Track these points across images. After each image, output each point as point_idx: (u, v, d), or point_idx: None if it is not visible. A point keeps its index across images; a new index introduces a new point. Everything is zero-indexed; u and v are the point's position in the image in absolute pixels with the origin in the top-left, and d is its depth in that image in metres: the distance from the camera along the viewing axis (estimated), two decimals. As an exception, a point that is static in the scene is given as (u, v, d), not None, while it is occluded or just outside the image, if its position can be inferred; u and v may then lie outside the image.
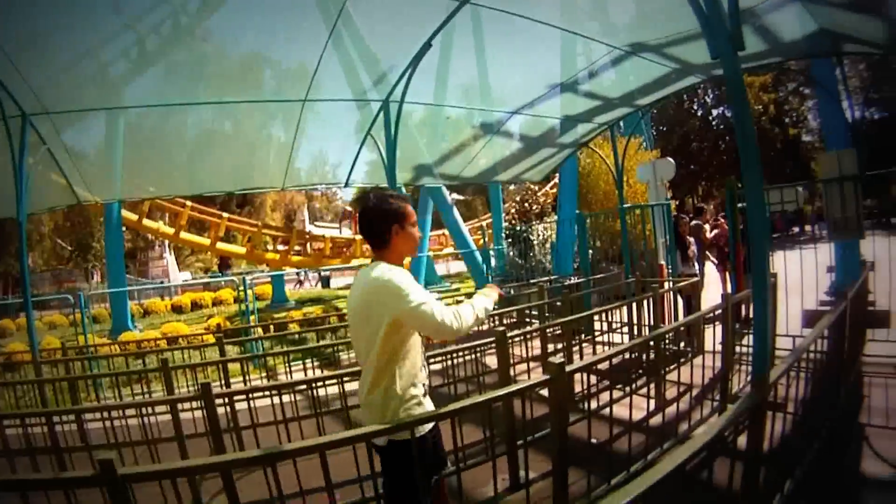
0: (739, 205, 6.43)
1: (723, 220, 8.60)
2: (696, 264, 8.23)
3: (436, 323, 2.15)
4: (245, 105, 6.26)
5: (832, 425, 3.75)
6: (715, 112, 32.60)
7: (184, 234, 19.09)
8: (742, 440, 2.66)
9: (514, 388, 3.00)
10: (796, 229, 23.14)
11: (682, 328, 6.24)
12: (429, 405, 2.41)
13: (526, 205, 20.17)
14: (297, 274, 28.23)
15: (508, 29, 5.02)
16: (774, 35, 5.02)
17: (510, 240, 14.93)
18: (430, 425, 2.35)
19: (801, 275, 6.12)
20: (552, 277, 10.77)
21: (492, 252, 16.05)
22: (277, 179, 7.74)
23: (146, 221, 18.30)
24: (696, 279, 7.22)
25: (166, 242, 30.00)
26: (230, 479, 2.25)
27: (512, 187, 29.86)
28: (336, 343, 7.47)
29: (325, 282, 30.54)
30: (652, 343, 5.01)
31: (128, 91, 5.79)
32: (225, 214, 20.88)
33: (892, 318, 5.73)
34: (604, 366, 5.53)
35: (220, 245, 20.21)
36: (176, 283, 27.40)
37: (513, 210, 21.37)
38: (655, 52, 5.47)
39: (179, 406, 3.80)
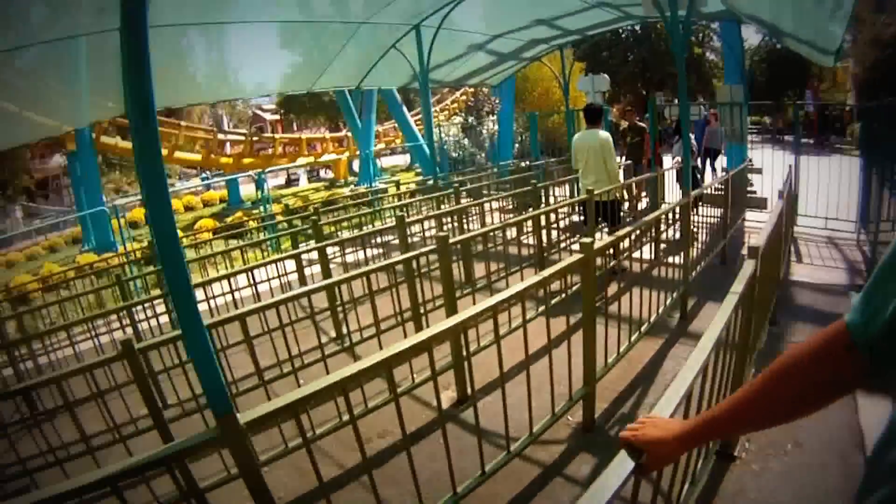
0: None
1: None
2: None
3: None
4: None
5: (724, 252, 6.60)
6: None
7: (143, 147, 19.57)
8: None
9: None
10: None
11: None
12: None
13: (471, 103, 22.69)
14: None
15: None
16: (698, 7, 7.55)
17: (464, 132, 17.35)
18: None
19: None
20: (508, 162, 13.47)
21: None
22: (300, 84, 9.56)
23: (104, 138, 18.75)
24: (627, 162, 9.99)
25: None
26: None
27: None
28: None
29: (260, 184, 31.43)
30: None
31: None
32: (182, 123, 21.52)
33: (767, 202, 8.87)
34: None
35: (178, 154, 20.99)
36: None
37: (458, 107, 23.90)
38: (614, 7, 7.91)
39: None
